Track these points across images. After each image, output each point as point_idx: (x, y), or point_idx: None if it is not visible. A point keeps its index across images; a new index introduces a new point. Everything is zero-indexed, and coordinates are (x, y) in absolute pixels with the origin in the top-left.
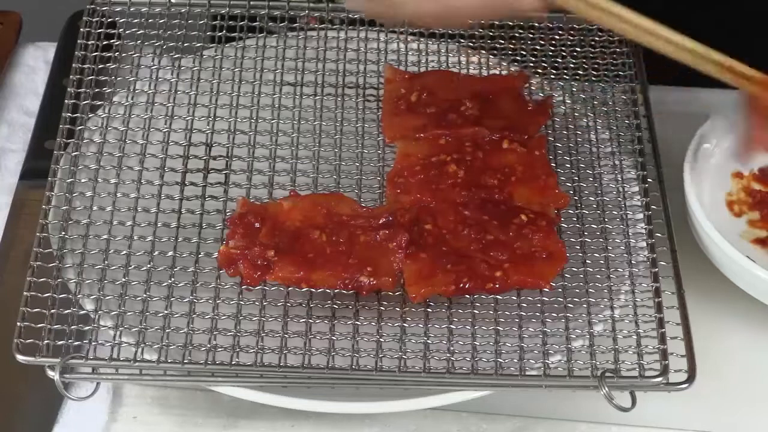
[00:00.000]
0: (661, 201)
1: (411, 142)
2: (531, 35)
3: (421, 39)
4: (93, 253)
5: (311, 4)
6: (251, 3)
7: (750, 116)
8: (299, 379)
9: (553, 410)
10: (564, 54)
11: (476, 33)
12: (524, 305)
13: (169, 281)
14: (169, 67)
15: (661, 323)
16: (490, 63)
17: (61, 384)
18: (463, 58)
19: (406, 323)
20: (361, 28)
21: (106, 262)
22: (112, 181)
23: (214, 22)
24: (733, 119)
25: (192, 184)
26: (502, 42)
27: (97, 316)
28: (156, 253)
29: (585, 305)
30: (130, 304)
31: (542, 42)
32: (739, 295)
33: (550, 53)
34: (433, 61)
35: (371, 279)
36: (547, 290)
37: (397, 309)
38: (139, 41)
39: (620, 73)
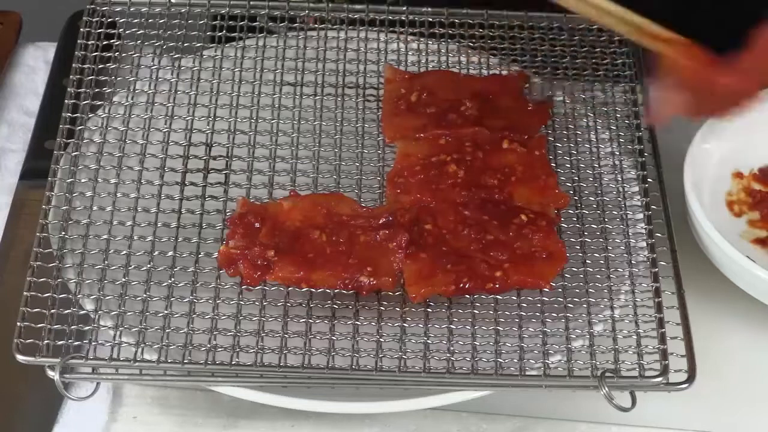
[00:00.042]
0: (661, 201)
1: (411, 142)
2: (531, 35)
3: (421, 39)
4: (93, 253)
5: (311, 4)
6: (251, 3)
7: (665, 79)
8: (299, 379)
9: (553, 410)
10: (564, 54)
11: (476, 33)
12: (524, 305)
13: (169, 281)
14: (169, 67)
15: (661, 323)
16: (490, 63)
17: (61, 384)
18: (463, 58)
19: (406, 323)
20: (361, 28)
21: (106, 262)
22: (112, 181)
23: (214, 22)
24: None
25: (192, 184)
26: (502, 42)
27: (97, 316)
28: (156, 253)
29: (585, 305)
30: (130, 304)
31: (542, 42)
32: (739, 295)
33: (550, 53)
34: (433, 61)
35: (371, 279)
36: (547, 290)
37: (397, 309)
38: (139, 41)
39: (620, 73)
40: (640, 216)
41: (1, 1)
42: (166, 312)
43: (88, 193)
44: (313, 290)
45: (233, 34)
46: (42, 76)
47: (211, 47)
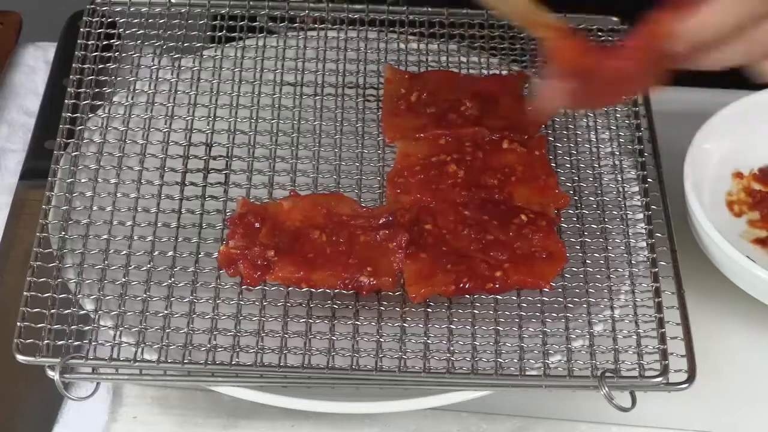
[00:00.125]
0: (661, 201)
1: (411, 142)
2: (531, 35)
3: (421, 39)
4: (93, 253)
5: (311, 4)
6: (251, 3)
7: (550, 67)
8: (299, 379)
9: (553, 410)
10: None
11: (476, 33)
12: (524, 305)
13: (169, 281)
14: (169, 67)
15: (661, 323)
16: (490, 63)
17: (61, 384)
18: (463, 58)
19: (406, 323)
20: (361, 28)
21: (106, 262)
22: (112, 181)
23: (214, 22)
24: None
25: (192, 184)
26: (502, 42)
27: (97, 316)
28: (156, 253)
29: (585, 305)
30: (130, 304)
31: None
32: (739, 295)
33: None
34: (433, 61)
35: (371, 279)
36: (547, 290)
37: (397, 309)
38: (139, 41)
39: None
40: (640, 216)
41: (1, 1)
42: (166, 312)
43: (88, 193)
44: (313, 290)
45: (233, 34)
46: (42, 76)
47: (211, 47)
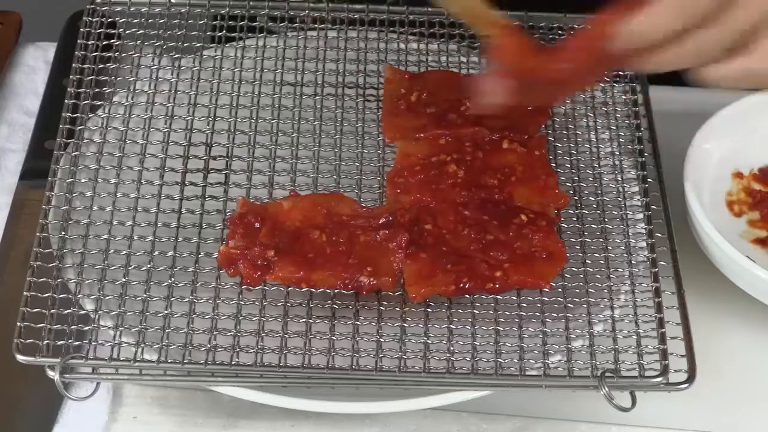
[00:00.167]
0: (661, 201)
1: (411, 142)
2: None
3: (421, 39)
4: (93, 253)
5: (311, 4)
6: (251, 3)
7: (492, 64)
8: (299, 379)
9: (553, 410)
10: None
11: (476, 33)
12: (524, 305)
13: (169, 281)
14: (169, 67)
15: (661, 323)
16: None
17: (61, 384)
18: (463, 58)
19: (406, 323)
20: (361, 28)
21: (106, 262)
22: (112, 181)
23: (214, 22)
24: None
25: (192, 184)
26: None
27: (97, 316)
28: (156, 253)
29: (585, 305)
30: (130, 304)
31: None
32: (739, 295)
33: None
34: (433, 61)
35: (371, 279)
36: (547, 290)
37: (397, 309)
38: (139, 41)
39: (620, 73)
40: (640, 216)
41: (1, 1)
42: (166, 312)
43: (88, 193)
44: (313, 290)
45: (233, 34)
46: (42, 76)
47: (211, 47)
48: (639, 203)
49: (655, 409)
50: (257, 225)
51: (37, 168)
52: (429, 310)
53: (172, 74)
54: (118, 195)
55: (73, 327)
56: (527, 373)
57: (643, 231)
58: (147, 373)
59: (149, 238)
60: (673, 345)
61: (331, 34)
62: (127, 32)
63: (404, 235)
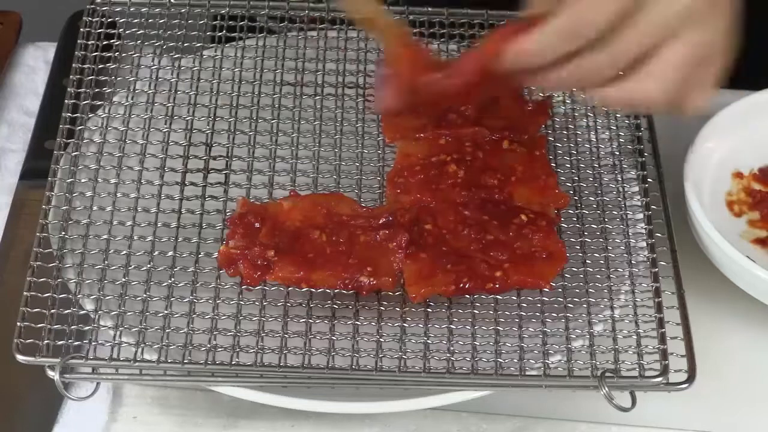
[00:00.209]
0: (661, 201)
1: (411, 142)
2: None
3: (421, 39)
4: (93, 253)
5: (311, 4)
6: (251, 3)
7: (387, 67)
8: (299, 379)
9: (553, 410)
10: None
11: (476, 33)
12: (524, 305)
13: (169, 281)
14: (169, 67)
15: (661, 323)
16: None
17: (61, 384)
18: None
19: (406, 323)
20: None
21: (106, 262)
22: (112, 181)
23: (214, 22)
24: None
25: (192, 184)
26: None
27: (97, 316)
28: (156, 253)
29: (585, 305)
30: (130, 304)
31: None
32: (739, 295)
33: None
34: None
35: (371, 279)
36: (547, 290)
37: (397, 309)
38: (139, 41)
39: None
40: (640, 216)
41: (1, 1)
42: (166, 312)
43: (88, 193)
44: (313, 290)
45: (233, 34)
46: (42, 76)
47: (211, 47)
48: (639, 203)
49: (655, 409)
50: (257, 225)
51: (37, 168)
52: (429, 310)
53: (172, 74)
54: (118, 195)
55: (73, 327)
56: (527, 373)
57: (643, 231)
58: (147, 373)
59: (149, 238)
60: (673, 345)
61: (331, 34)
62: (127, 32)
63: (404, 235)
